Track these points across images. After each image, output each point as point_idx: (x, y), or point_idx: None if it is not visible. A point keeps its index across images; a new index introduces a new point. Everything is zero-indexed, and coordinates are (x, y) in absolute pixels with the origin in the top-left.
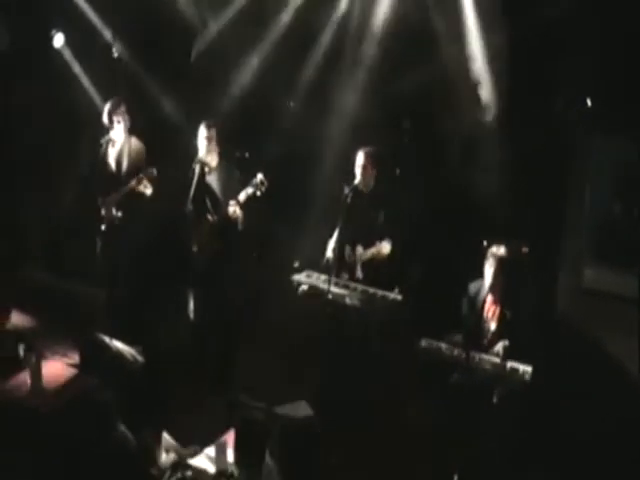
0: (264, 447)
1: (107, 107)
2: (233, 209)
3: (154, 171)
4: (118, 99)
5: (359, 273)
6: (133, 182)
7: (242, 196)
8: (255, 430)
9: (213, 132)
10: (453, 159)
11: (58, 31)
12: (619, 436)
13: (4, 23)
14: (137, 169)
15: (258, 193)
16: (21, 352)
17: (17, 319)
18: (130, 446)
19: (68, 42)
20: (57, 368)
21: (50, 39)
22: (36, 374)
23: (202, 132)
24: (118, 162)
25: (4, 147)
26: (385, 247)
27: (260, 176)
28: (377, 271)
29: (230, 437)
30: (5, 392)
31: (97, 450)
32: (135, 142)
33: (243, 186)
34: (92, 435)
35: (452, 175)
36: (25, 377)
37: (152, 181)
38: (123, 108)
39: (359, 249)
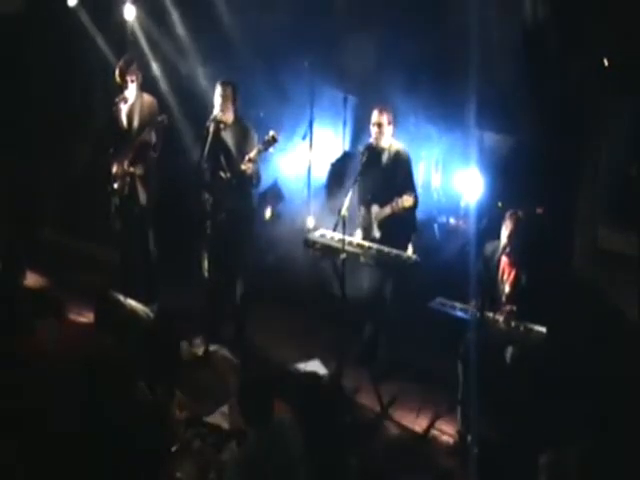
0: (273, 405)
1: (119, 66)
2: (245, 166)
3: (165, 119)
4: (130, 57)
5: (375, 232)
6: (144, 135)
7: (253, 152)
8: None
9: (229, 91)
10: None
11: None
12: (635, 396)
13: None
14: (149, 124)
15: (270, 149)
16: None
17: (33, 278)
18: (147, 402)
19: (82, 1)
20: (73, 326)
21: None
22: (52, 332)
23: (218, 90)
24: (130, 118)
25: (20, 107)
26: (408, 200)
27: (272, 132)
28: (393, 230)
29: None
30: (23, 350)
31: (117, 406)
32: (147, 98)
33: (257, 143)
34: (112, 391)
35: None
36: (42, 335)
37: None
38: (135, 66)
39: (374, 208)
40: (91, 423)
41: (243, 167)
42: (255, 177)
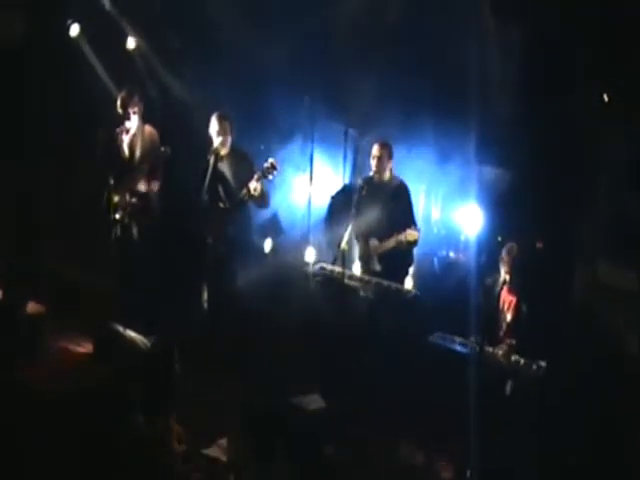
0: (274, 438)
1: (121, 97)
2: (244, 193)
3: (167, 150)
4: (132, 88)
5: (376, 265)
6: (145, 166)
7: (252, 181)
8: (266, 421)
9: (225, 122)
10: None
11: (74, 21)
12: (636, 429)
13: (22, 13)
14: (150, 155)
15: (270, 177)
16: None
17: (33, 307)
18: (145, 435)
19: (84, 32)
20: (71, 356)
21: (67, 29)
22: (51, 362)
23: (214, 123)
24: (131, 149)
25: (21, 137)
26: (412, 234)
27: (271, 160)
28: (393, 263)
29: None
30: (20, 379)
31: (113, 437)
32: (148, 129)
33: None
34: (108, 422)
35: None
36: (40, 364)
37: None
38: (137, 97)
39: (373, 241)
40: (87, 455)
41: (241, 195)
42: (264, 197)
